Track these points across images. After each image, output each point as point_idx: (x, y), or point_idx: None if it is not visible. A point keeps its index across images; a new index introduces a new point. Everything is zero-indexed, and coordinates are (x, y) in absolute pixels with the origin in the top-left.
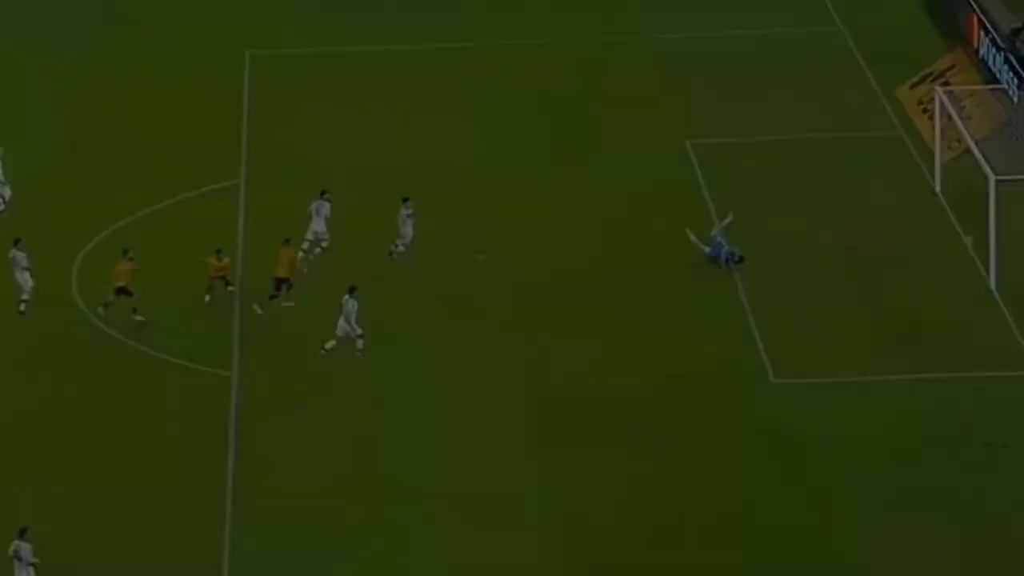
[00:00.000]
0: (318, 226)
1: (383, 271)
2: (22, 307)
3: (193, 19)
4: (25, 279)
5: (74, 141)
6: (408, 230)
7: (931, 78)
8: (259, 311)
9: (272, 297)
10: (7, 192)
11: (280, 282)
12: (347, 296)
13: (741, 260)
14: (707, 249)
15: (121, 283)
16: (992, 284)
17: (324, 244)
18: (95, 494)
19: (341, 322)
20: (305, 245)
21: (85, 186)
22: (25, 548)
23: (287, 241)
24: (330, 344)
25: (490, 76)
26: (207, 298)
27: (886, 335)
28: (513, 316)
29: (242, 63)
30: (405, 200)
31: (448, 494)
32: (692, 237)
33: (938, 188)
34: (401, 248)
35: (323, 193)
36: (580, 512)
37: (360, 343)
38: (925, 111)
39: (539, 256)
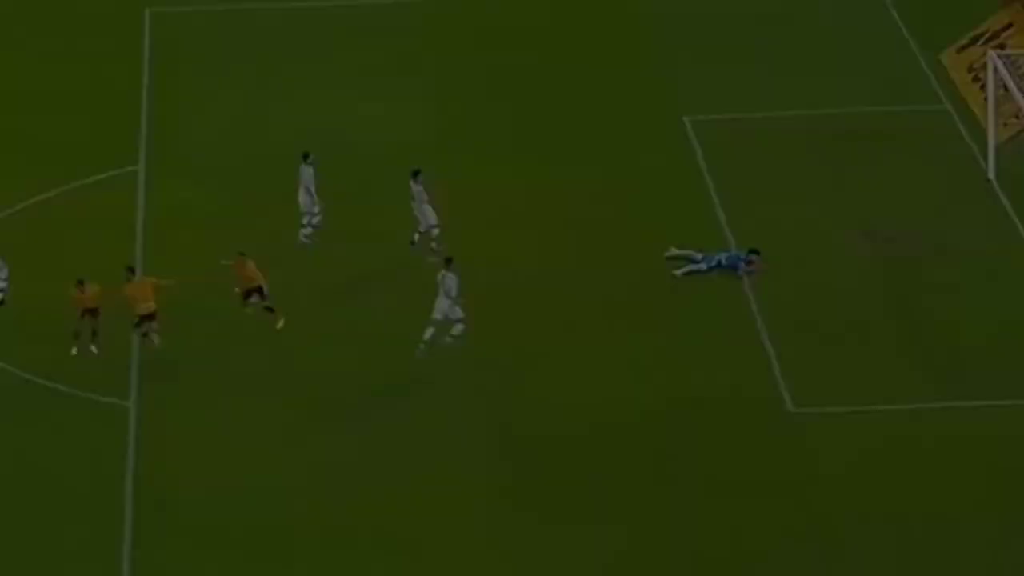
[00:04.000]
0: (301, 198)
1: (313, 279)
2: None
3: None
4: None
5: None
6: (426, 211)
7: (983, 39)
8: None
9: (245, 304)
10: None
11: (250, 292)
12: (444, 271)
13: (755, 253)
14: (700, 262)
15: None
16: None
17: (314, 220)
18: None
19: (439, 303)
20: (304, 220)
21: None
22: None
23: (242, 254)
24: (428, 334)
25: (447, 40)
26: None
27: (926, 355)
28: (475, 333)
29: (140, 23)
30: (415, 174)
31: (384, 549)
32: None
33: (991, 174)
34: (428, 235)
35: (306, 156)
36: None
37: (458, 328)
38: (976, 79)
39: (507, 260)
